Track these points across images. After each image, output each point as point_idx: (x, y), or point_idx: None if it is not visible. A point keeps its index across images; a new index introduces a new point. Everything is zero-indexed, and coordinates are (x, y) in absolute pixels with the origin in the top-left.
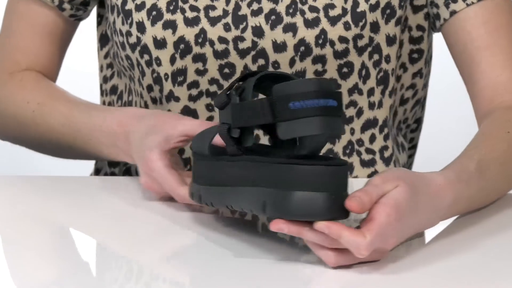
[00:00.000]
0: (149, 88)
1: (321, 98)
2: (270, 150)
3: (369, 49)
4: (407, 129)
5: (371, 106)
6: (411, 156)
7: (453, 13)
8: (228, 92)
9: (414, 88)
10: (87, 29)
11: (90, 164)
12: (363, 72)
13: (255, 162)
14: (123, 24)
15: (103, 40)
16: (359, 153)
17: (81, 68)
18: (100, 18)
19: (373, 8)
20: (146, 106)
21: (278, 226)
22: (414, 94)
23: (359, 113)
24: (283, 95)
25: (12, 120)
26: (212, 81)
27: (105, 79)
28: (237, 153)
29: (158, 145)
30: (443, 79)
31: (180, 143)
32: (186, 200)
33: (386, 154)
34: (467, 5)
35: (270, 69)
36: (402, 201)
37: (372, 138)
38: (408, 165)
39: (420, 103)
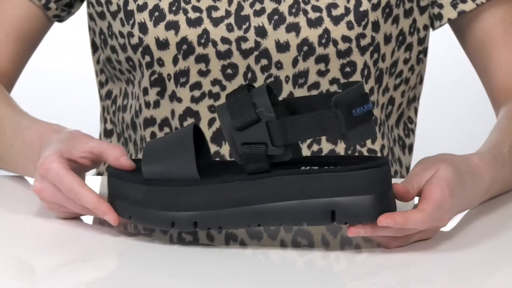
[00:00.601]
0: (145, 91)
1: (368, 102)
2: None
3: (371, 48)
4: (415, 128)
5: (372, 105)
6: None
7: (461, 13)
8: (256, 110)
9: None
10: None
11: None
12: (365, 71)
13: (298, 175)
14: (123, 25)
15: (95, 45)
16: (360, 154)
17: (87, 72)
18: None
19: (374, 7)
20: (140, 110)
21: (357, 230)
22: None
23: None
24: (347, 103)
25: None
26: (215, 82)
27: (101, 84)
28: (267, 171)
29: (58, 150)
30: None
31: (84, 160)
32: (86, 202)
33: (384, 153)
34: (477, 5)
35: (273, 69)
36: (451, 178)
37: (374, 138)
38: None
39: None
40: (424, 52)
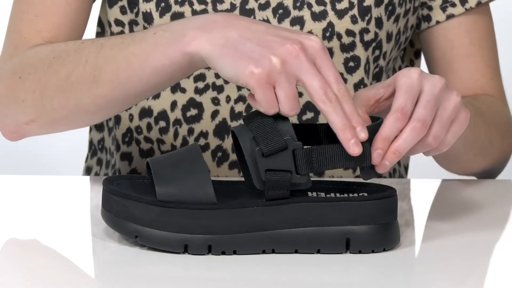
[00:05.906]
0: None
1: None
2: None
3: (374, 44)
4: None
5: None
6: None
7: (450, 16)
8: (285, 138)
9: None
10: None
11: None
12: (367, 67)
13: (317, 202)
14: (124, 13)
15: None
16: None
17: None
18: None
19: (378, 3)
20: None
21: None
22: None
23: None
24: (370, 138)
25: (45, 59)
26: (219, 74)
27: None
28: (287, 197)
29: None
30: None
31: None
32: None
33: None
34: (466, 9)
35: None
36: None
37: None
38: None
39: None
40: (418, 52)
